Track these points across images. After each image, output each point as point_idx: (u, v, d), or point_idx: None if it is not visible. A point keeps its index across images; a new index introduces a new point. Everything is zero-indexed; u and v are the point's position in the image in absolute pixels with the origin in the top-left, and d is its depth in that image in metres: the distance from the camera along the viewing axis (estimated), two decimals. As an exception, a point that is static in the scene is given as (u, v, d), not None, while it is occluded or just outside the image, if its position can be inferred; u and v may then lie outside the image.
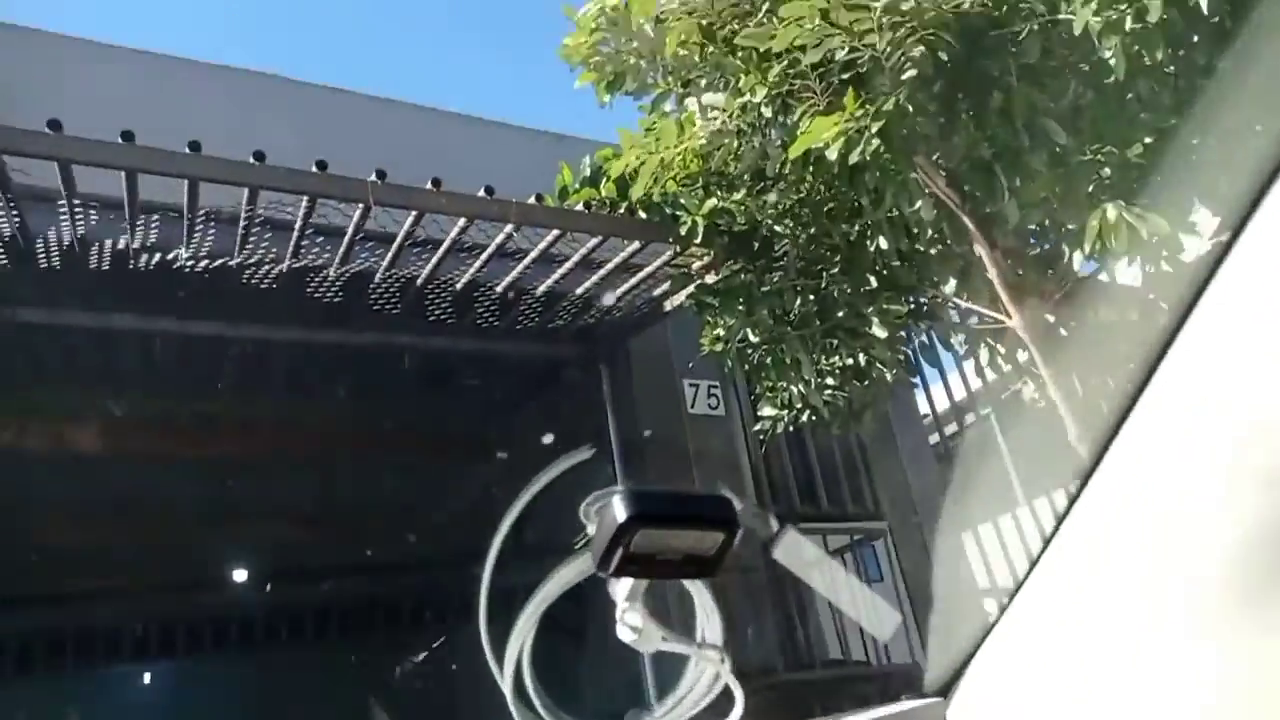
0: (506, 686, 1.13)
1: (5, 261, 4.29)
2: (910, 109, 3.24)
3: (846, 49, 3.15)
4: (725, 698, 1.15)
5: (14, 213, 3.93)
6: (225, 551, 7.97)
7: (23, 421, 5.71)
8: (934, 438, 7.12)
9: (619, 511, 0.93)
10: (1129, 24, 2.93)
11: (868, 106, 3.25)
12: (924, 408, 6.96)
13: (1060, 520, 1.06)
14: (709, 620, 1.20)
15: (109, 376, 5.35)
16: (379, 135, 5.69)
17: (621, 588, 1.07)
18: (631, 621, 1.09)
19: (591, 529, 0.98)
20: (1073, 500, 1.03)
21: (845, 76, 3.45)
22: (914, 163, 3.79)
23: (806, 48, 3.12)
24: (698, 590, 1.19)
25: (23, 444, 5.80)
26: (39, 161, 3.65)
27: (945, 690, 1.22)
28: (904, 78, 3.17)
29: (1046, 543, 1.09)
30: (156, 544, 7.41)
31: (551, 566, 1.13)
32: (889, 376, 4.97)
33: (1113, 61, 3.00)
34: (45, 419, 5.84)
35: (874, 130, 3.16)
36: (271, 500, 7.57)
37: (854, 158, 3.45)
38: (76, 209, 3.92)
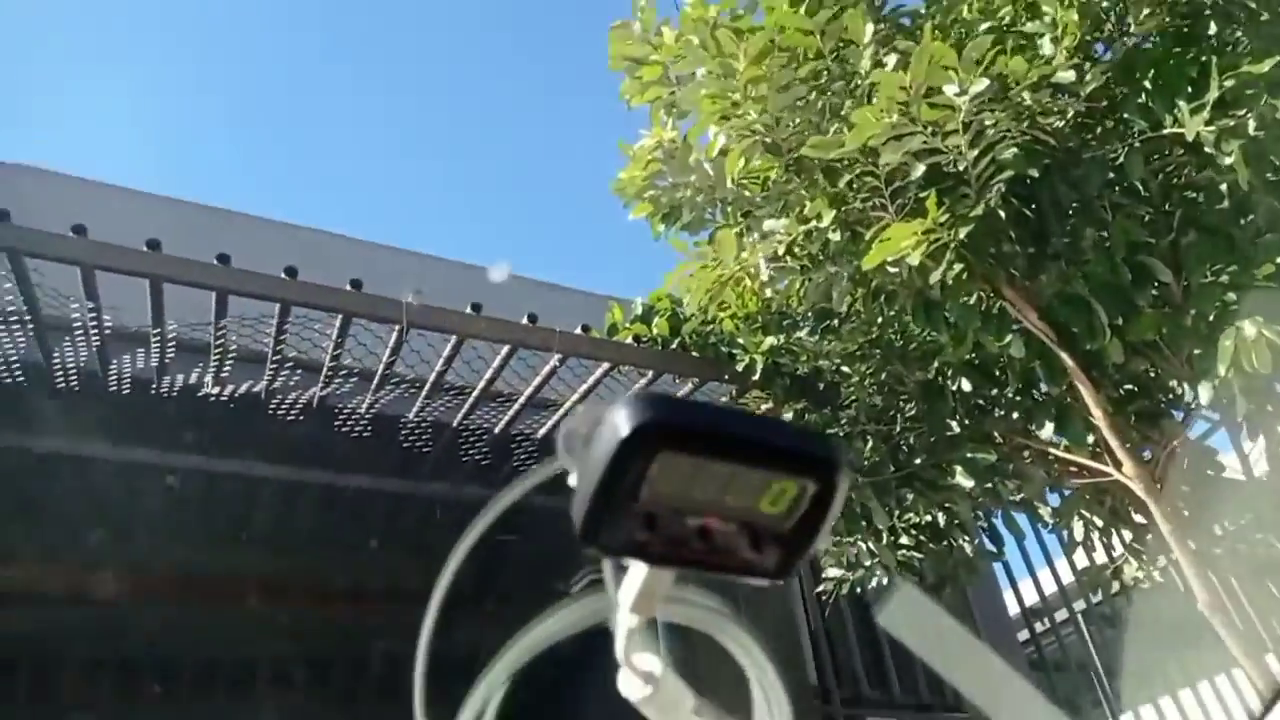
0: None
1: (23, 381, 4.08)
2: (1001, 216, 2.91)
3: (926, 156, 2.87)
4: None
5: (29, 325, 3.74)
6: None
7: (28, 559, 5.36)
8: (1023, 634, 6.38)
9: (627, 419, 0.52)
10: (1251, 128, 2.61)
11: (951, 215, 2.93)
12: (1010, 604, 6.28)
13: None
14: (771, 702, 0.76)
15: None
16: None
17: (626, 591, 0.62)
18: (641, 665, 0.65)
19: (573, 478, 0.57)
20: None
21: (923, 195, 3.18)
22: (1002, 293, 3.45)
23: (880, 153, 2.84)
24: (751, 660, 0.76)
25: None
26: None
27: None
28: (993, 183, 2.86)
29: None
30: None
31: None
32: (969, 548, 4.46)
33: (1233, 168, 2.66)
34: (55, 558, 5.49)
35: (960, 237, 2.82)
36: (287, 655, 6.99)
37: (935, 276, 3.11)
38: (93, 327, 3.71)
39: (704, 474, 0.54)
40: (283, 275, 3.59)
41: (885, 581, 4.25)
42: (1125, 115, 3.10)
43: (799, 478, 0.56)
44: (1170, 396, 3.95)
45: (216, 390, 4.18)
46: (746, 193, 3.56)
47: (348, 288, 3.65)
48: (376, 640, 6.46)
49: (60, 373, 4.08)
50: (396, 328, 3.77)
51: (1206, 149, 2.78)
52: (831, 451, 0.57)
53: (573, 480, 0.57)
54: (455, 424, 4.50)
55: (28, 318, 3.83)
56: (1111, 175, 3.23)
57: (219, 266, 3.50)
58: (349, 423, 4.42)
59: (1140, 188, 3.32)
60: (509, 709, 0.75)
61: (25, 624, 5.28)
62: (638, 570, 0.61)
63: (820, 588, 4.43)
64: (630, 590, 0.62)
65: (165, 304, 3.68)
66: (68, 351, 4.01)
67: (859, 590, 4.25)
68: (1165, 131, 2.94)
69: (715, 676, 0.80)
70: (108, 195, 4.82)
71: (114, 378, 4.11)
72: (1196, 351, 3.18)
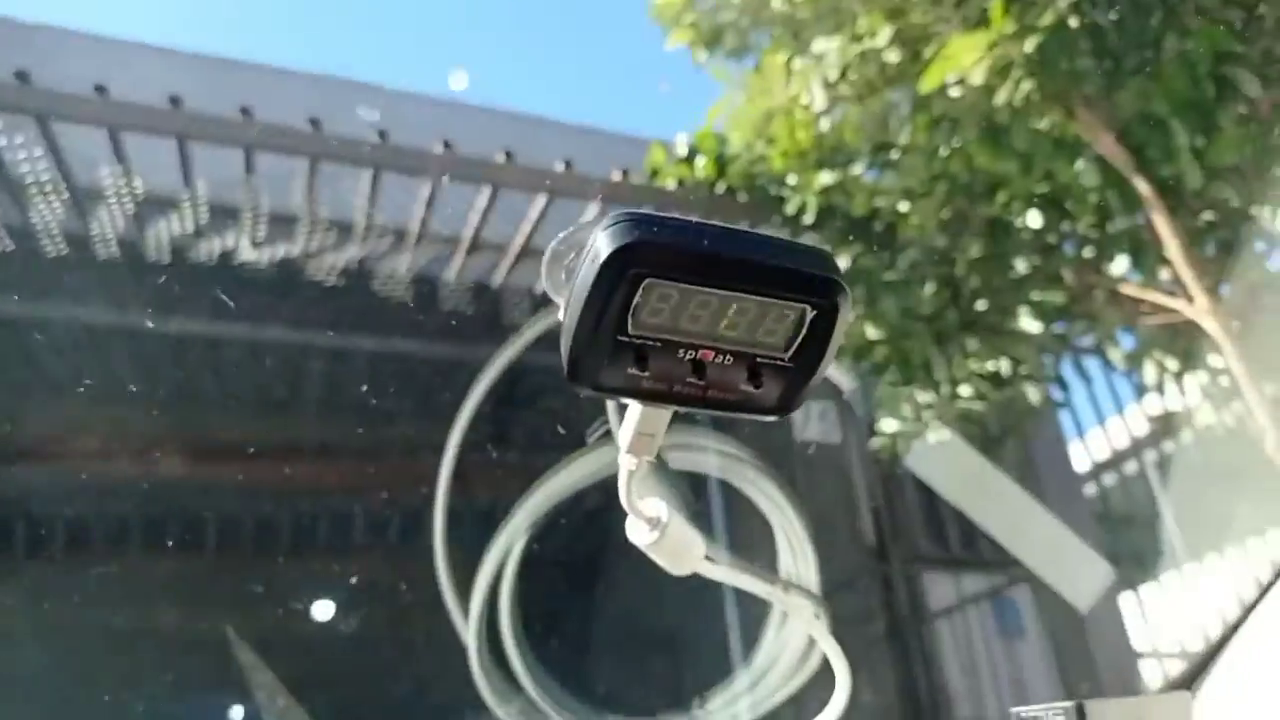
0: (470, 638, 0.65)
1: (66, 250, 4.06)
2: (1073, 26, 2.62)
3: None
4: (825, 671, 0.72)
5: (65, 193, 3.67)
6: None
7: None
8: (1091, 487, 6.23)
9: (607, 242, 0.49)
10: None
11: (1020, 26, 2.64)
12: (1074, 454, 6.11)
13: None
14: (797, 555, 0.74)
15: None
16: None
17: (624, 432, 0.58)
18: (648, 510, 0.63)
19: (561, 307, 0.53)
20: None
21: (988, 4, 2.87)
22: (1074, 115, 3.16)
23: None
24: (779, 510, 0.72)
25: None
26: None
27: (1190, 683, 1.09)
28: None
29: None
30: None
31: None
32: (1034, 396, 4.28)
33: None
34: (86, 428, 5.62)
35: (1028, 50, 2.54)
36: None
37: (1001, 97, 2.84)
38: (124, 193, 3.64)
39: (695, 301, 0.51)
40: (309, 127, 3.45)
41: (945, 435, 4.12)
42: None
43: (796, 302, 0.52)
44: (1254, 227, 3.67)
45: (253, 256, 4.12)
46: (794, 10, 3.27)
47: (375, 140, 3.50)
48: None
49: (100, 241, 4.04)
50: (428, 180, 3.63)
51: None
52: (830, 270, 0.53)
53: (561, 314, 0.53)
54: (496, 285, 4.39)
55: (62, 186, 3.78)
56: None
57: (244, 121, 3.38)
58: (388, 285, 4.34)
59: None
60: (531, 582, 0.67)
61: (69, 491, 5.45)
62: (633, 409, 0.58)
63: (875, 443, 4.31)
64: (627, 431, 0.59)
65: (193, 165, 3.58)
66: (103, 220, 3.97)
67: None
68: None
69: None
70: (122, 51, 4.67)
71: (151, 244, 4.06)
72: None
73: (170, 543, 6.15)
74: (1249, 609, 1.08)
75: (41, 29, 4.46)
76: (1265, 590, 1.08)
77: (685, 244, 0.50)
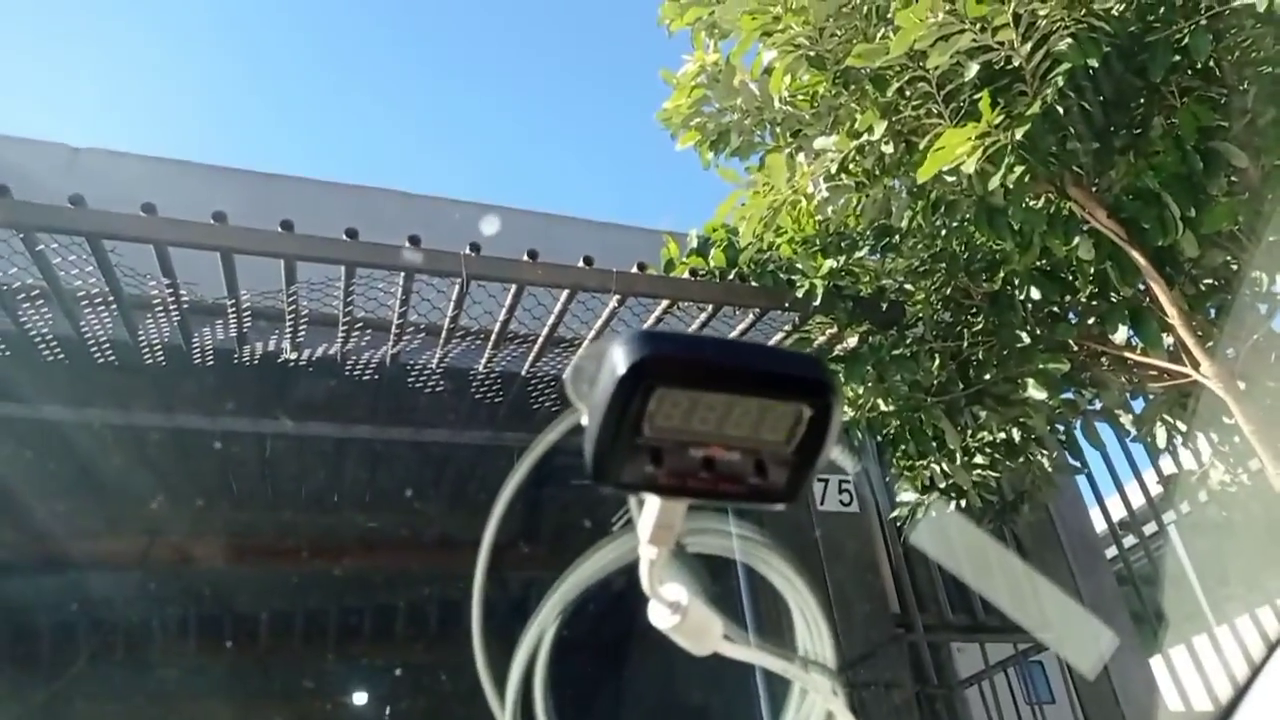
0: None
1: (114, 359, 4.28)
2: (1060, 112, 2.80)
3: (978, 55, 2.77)
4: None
5: (113, 306, 3.90)
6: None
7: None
8: (1110, 552, 6.24)
9: (622, 358, 0.56)
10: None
11: (1008, 115, 2.84)
12: (1094, 515, 6.14)
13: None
14: (813, 632, 0.78)
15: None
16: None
17: (644, 524, 0.65)
18: (668, 595, 0.67)
19: (583, 413, 0.60)
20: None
21: (977, 97, 3.08)
22: (1067, 193, 3.34)
23: (929, 55, 2.75)
24: (793, 589, 0.78)
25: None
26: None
27: None
28: (1050, 77, 2.76)
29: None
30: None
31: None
32: (1047, 463, 4.37)
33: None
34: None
35: (1017, 138, 2.73)
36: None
37: (995, 182, 3.03)
38: (171, 303, 3.86)
39: (702, 405, 0.57)
40: (345, 237, 3.67)
41: (961, 504, 4.20)
42: (1188, -10, 2.95)
43: (792, 402, 0.58)
44: (1252, 289, 3.79)
45: (294, 355, 4.32)
46: (795, 111, 3.50)
47: (407, 245, 3.72)
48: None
49: (146, 349, 4.26)
50: (458, 281, 3.84)
51: (1280, 17, 2.64)
52: (820, 374, 0.58)
53: (584, 420, 0.59)
54: (524, 372, 4.57)
55: (111, 298, 4.00)
56: (1177, 58, 3.08)
57: (285, 234, 3.60)
58: (421, 378, 4.53)
59: (1210, 68, 3.16)
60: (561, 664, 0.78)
61: (132, 590, 5.57)
62: (651, 503, 0.63)
63: (894, 513, 4.40)
64: (647, 523, 0.64)
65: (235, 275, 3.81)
66: (150, 328, 4.18)
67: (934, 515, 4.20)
68: (1234, 3, 2.80)
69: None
70: (166, 171, 4.97)
71: (197, 350, 4.27)
72: (1276, 239, 3.03)
73: (220, 632, 6.25)
74: (1258, 668, 1.06)
75: (95, 152, 4.78)
76: (1273, 649, 1.06)
77: (692, 356, 0.57)
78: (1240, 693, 1.05)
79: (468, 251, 3.76)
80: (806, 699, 0.79)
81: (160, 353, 4.28)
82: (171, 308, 3.98)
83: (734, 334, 4.30)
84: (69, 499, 4.84)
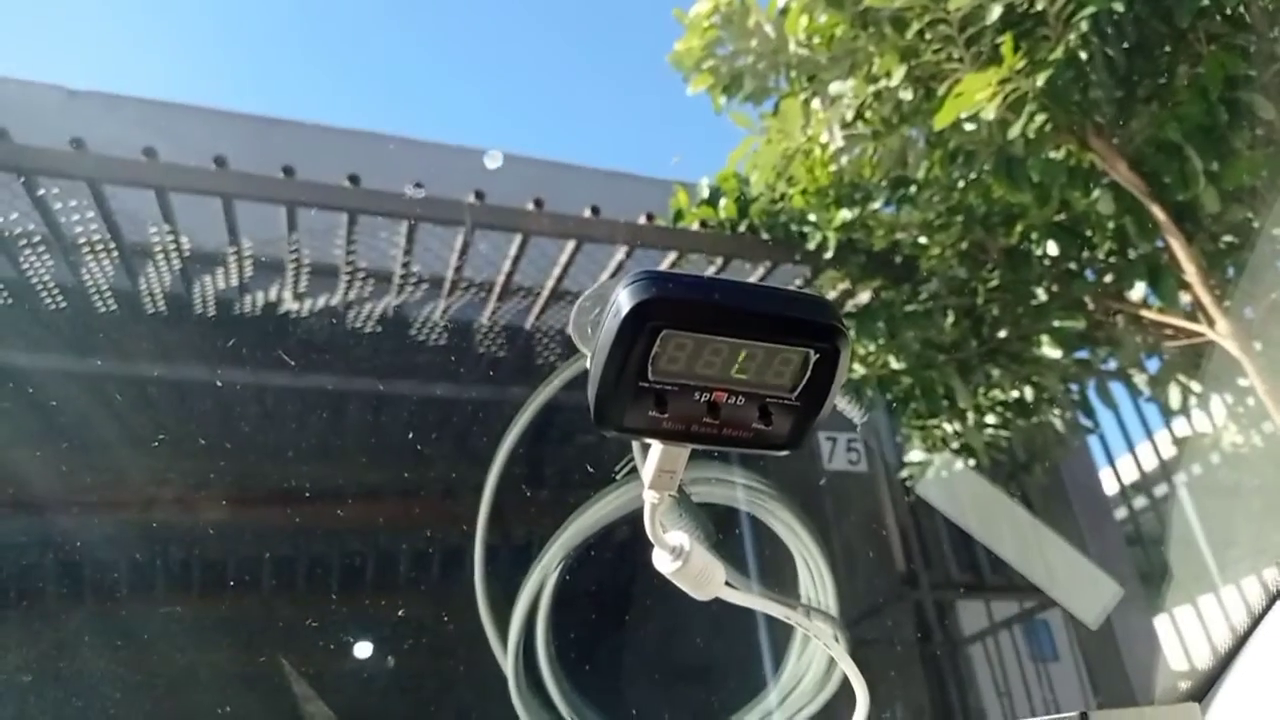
0: (508, 667, 0.71)
1: (115, 308, 4.23)
2: (1084, 58, 2.70)
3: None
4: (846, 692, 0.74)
5: (114, 252, 3.84)
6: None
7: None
8: (1120, 512, 6.21)
9: (627, 299, 0.54)
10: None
11: (1030, 61, 2.74)
12: (1105, 475, 6.09)
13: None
14: (816, 580, 0.76)
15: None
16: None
17: (647, 469, 0.63)
18: (671, 541, 0.67)
19: (587, 356, 0.59)
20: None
21: (999, 41, 2.97)
22: (1088, 144, 3.25)
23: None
24: (797, 538, 0.76)
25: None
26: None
27: (1200, 695, 1.10)
28: (1074, 20, 2.66)
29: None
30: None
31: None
32: (1059, 423, 4.31)
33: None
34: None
35: (1039, 85, 2.63)
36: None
37: (1015, 131, 2.93)
38: (172, 250, 3.81)
39: (707, 349, 0.55)
40: (347, 183, 3.60)
41: (971, 464, 4.16)
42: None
43: (799, 346, 0.56)
44: (1272, 247, 3.70)
45: (296, 306, 4.27)
46: (811, 54, 3.39)
47: (410, 188, 3.64)
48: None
49: (148, 297, 4.21)
50: (462, 229, 3.77)
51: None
52: (829, 317, 0.57)
53: (587, 363, 0.58)
54: (528, 326, 4.51)
55: (112, 245, 3.95)
56: (1205, 2, 2.97)
57: (287, 180, 3.53)
58: (424, 330, 4.47)
59: (1240, 14, 3.04)
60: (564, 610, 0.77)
61: (135, 538, 5.58)
62: (655, 449, 0.62)
63: (904, 473, 4.36)
64: (650, 469, 0.63)
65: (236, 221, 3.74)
66: (151, 276, 4.13)
67: (944, 474, 4.16)
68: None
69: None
70: (165, 114, 4.87)
71: (198, 299, 4.22)
72: None
73: (226, 581, 6.29)
74: (1257, 619, 1.08)
75: (93, 95, 4.69)
76: (1273, 600, 1.07)
77: (698, 298, 0.55)
78: (1240, 641, 1.08)
79: (472, 200, 3.68)
80: (808, 646, 0.77)
81: (162, 301, 4.23)
82: (173, 255, 3.92)
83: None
84: (70, 449, 4.83)
